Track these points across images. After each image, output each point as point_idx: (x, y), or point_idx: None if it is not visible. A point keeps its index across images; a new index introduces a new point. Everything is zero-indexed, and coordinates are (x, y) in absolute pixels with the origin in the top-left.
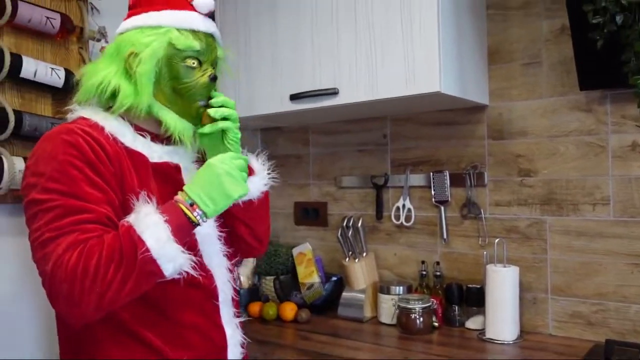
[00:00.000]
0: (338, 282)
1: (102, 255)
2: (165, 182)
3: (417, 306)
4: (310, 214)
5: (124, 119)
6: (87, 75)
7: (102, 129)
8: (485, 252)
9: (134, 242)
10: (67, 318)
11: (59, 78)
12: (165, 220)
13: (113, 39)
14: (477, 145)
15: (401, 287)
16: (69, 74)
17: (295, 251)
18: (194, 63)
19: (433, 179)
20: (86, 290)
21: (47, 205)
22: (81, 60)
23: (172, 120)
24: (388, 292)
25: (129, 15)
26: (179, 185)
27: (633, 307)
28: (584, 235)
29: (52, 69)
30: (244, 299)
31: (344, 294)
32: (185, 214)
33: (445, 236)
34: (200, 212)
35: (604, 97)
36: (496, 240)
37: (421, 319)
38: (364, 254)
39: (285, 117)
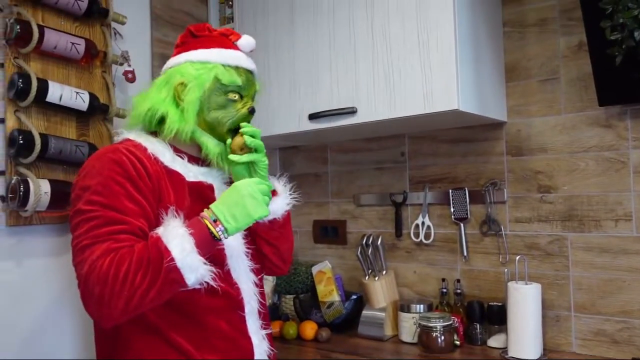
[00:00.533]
0: (358, 300)
1: (132, 262)
2: (199, 200)
3: (439, 324)
4: (330, 232)
5: (164, 141)
6: (137, 103)
7: (145, 149)
8: (506, 270)
9: (161, 251)
10: (97, 318)
11: (84, 102)
12: (190, 233)
13: (163, 73)
14: (496, 161)
15: (422, 305)
16: (92, 97)
17: (314, 270)
18: (235, 96)
19: (452, 196)
20: (116, 294)
21: (88, 215)
22: (104, 83)
23: (212, 145)
24: (408, 311)
25: (177, 52)
26: (211, 202)
27: None
28: (607, 251)
29: (77, 92)
30: None
31: (364, 313)
32: (209, 229)
33: (465, 253)
34: (222, 228)
35: (623, 112)
36: (517, 258)
37: (442, 337)
38: (384, 272)
39: (303, 136)
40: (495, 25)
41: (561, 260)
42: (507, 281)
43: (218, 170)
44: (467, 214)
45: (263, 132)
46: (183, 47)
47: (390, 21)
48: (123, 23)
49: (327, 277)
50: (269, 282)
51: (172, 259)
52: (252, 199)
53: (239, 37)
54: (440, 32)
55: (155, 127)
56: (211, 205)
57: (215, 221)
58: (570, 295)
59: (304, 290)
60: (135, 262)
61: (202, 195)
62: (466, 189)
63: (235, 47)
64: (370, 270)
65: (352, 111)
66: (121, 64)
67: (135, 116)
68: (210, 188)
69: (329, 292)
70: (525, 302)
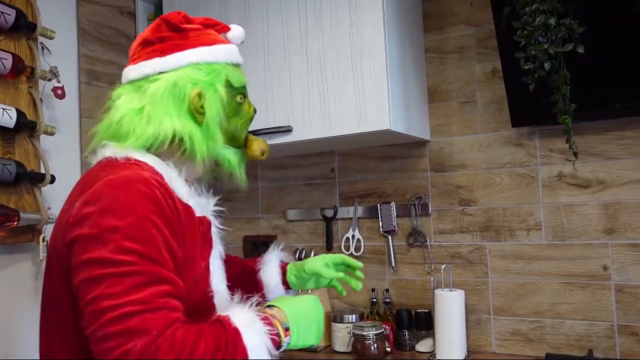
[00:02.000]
0: None
1: (207, 348)
2: (203, 237)
3: (371, 333)
4: (260, 248)
5: (173, 165)
6: (135, 120)
7: (161, 176)
8: (432, 278)
9: (239, 350)
10: None
11: (11, 118)
12: (270, 339)
13: (148, 78)
14: (420, 177)
15: (354, 315)
16: (20, 113)
17: None
18: (241, 98)
19: (380, 210)
20: None
21: (124, 269)
22: (31, 99)
23: (232, 157)
24: (342, 321)
25: (158, 51)
26: (209, 241)
27: (567, 323)
28: (521, 258)
29: (3, 109)
30: None
31: None
32: (279, 336)
33: (393, 264)
34: (287, 341)
35: (532, 132)
36: (442, 266)
37: (375, 345)
38: None
39: None
40: (418, 51)
41: (481, 267)
42: (434, 289)
43: (207, 199)
44: (394, 226)
45: None
46: (165, 44)
47: (325, 46)
48: (52, 38)
49: None
50: None
51: None
52: (319, 326)
53: (227, 28)
54: (373, 59)
55: (168, 148)
56: (286, 310)
57: (286, 330)
58: (489, 300)
59: None
60: (211, 348)
61: (205, 232)
62: (393, 203)
63: (227, 41)
64: None
65: (287, 130)
66: (49, 80)
67: (143, 137)
68: (209, 225)
69: None
70: (450, 308)
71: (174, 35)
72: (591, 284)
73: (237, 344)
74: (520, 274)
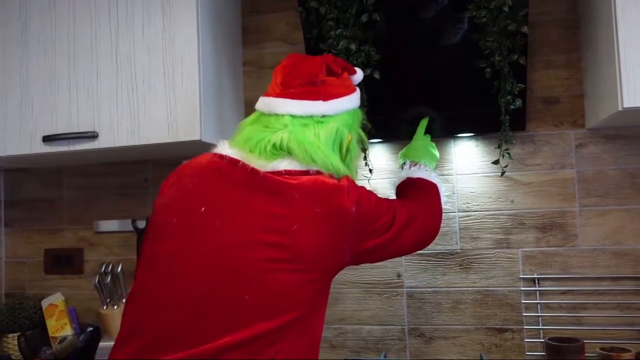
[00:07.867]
0: (95, 331)
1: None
2: None
3: None
4: (63, 262)
5: None
6: (315, 148)
7: None
8: None
9: (436, 187)
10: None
11: None
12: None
13: (328, 123)
14: None
15: None
16: None
17: (44, 303)
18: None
19: None
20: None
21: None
22: None
23: None
24: None
25: (324, 96)
26: None
27: (365, 328)
28: None
29: None
30: None
31: (101, 344)
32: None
33: None
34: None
35: None
36: None
37: None
38: (124, 301)
39: (36, 158)
40: (236, 64)
41: None
42: None
43: None
44: None
45: None
46: (327, 88)
47: (136, 50)
48: None
49: (59, 310)
50: None
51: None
52: (433, 152)
53: (354, 71)
54: (185, 67)
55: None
56: (416, 159)
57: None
58: None
59: (30, 326)
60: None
61: None
62: None
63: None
64: (109, 300)
65: (92, 135)
66: None
67: (320, 165)
68: None
69: (61, 327)
70: None
71: (331, 80)
72: (387, 291)
73: (434, 186)
74: (333, 283)
